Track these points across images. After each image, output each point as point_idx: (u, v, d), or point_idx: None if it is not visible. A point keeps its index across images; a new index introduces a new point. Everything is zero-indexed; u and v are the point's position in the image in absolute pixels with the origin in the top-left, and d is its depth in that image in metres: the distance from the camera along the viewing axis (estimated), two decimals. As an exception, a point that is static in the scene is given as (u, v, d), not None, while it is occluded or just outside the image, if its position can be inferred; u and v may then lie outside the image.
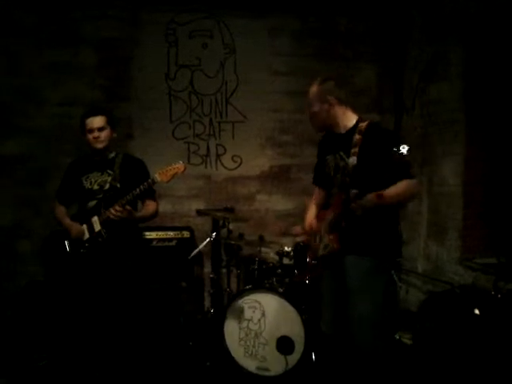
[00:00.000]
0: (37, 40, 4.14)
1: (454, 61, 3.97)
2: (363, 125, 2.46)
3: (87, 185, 3.04)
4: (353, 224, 2.42)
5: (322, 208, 2.72)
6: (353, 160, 2.37)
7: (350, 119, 2.55)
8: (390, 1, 4.58)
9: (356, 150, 2.38)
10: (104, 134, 3.00)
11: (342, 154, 2.50)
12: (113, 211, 2.88)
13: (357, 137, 2.41)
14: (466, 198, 3.87)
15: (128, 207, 2.90)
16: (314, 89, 2.59)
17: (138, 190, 2.87)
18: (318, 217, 2.71)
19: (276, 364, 3.14)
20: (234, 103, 4.50)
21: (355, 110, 2.61)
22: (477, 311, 3.16)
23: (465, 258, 3.85)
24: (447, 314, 3.27)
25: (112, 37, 4.24)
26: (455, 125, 3.94)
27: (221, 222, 3.88)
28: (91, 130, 2.98)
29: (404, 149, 2.13)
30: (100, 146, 3.00)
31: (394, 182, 2.32)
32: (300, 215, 4.27)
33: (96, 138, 2.98)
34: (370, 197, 2.28)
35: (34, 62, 4.14)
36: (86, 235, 3.00)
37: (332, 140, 2.62)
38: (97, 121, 2.98)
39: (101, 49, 4.24)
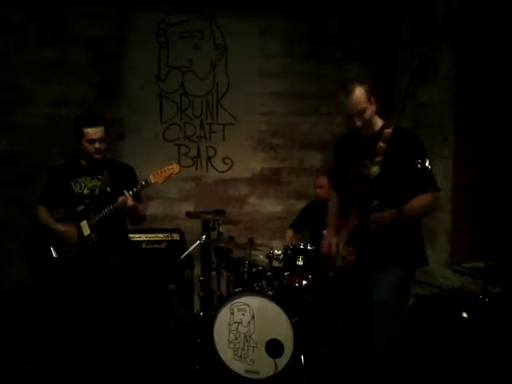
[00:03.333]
0: (25, 36, 4.08)
1: (443, 64, 3.98)
2: (388, 131, 2.36)
3: (77, 189, 3.01)
4: (373, 236, 2.32)
5: (341, 215, 2.59)
6: (376, 169, 2.28)
7: (377, 124, 2.44)
8: (380, 3, 4.60)
9: (380, 158, 2.29)
10: (104, 146, 2.96)
11: (366, 162, 2.37)
12: (123, 197, 2.80)
13: (381, 144, 2.32)
14: (455, 202, 3.88)
15: (137, 201, 2.87)
16: (359, 88, 2.38)
17: (131, 191, 2.84)
18: (338, 225, 2.59)
19: (265, 367, 3.13)
20: (225, 105, 4.49)
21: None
22: (465, 315, 3.19)
23: (453, 261, 3.87)
24: (436, 318, 3.29)
25: (103, 35, 4.21)
26: (444, 128, 3.96)
27: (211, 225, 3.86)
28: (92, 141, 2.91)
29: (427, 161, 2.07)
30: (99, 157, 2.96)
31: (415, 195, 2.25)
32: (290, 218, 4.29)
33: (97, 150, 2.93)
34: (390, 212, 2.22)
35: (24, 60, 4.08)
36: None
37: (354, 145, 2.49)
38: (98, 132, 2.91)
39: (92, 47, 4.20)
